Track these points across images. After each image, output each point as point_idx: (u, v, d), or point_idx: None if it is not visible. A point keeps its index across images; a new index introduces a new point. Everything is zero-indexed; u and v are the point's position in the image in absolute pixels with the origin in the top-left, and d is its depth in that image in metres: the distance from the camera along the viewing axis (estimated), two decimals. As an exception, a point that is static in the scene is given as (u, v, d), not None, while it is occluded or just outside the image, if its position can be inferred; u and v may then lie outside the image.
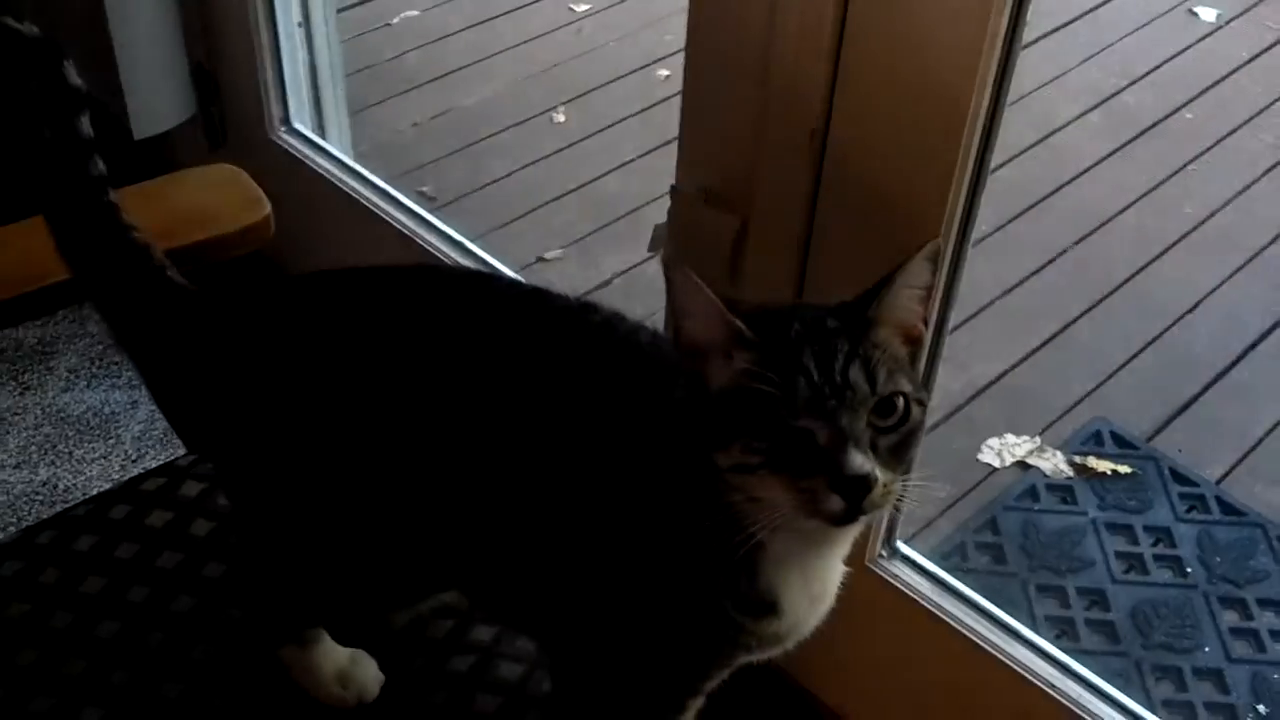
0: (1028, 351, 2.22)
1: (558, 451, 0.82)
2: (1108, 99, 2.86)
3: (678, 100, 1.30)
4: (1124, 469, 2.00)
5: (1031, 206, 2.53)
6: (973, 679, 1.38)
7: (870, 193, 1.17)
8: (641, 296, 2.15)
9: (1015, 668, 1.33)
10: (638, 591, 0.82)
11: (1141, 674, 1.71)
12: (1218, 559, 1.87)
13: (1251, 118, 2.82)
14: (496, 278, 0.93)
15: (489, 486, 0.83)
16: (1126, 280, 2.39)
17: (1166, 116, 2.82)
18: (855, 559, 0.89)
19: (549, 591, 0.87)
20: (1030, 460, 2.01)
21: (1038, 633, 1.37)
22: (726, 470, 0.74)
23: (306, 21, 1.93)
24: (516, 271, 1.81)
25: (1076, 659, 1.34)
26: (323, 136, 2.00)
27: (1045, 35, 2.97)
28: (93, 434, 1.94)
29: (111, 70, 1.93)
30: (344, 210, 1.91)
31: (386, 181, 1.93)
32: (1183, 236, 2.50)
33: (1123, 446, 2.04)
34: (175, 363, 0.95)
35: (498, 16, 3.00)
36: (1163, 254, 2.45)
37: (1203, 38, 3.08)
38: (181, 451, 1.22)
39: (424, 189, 2.46)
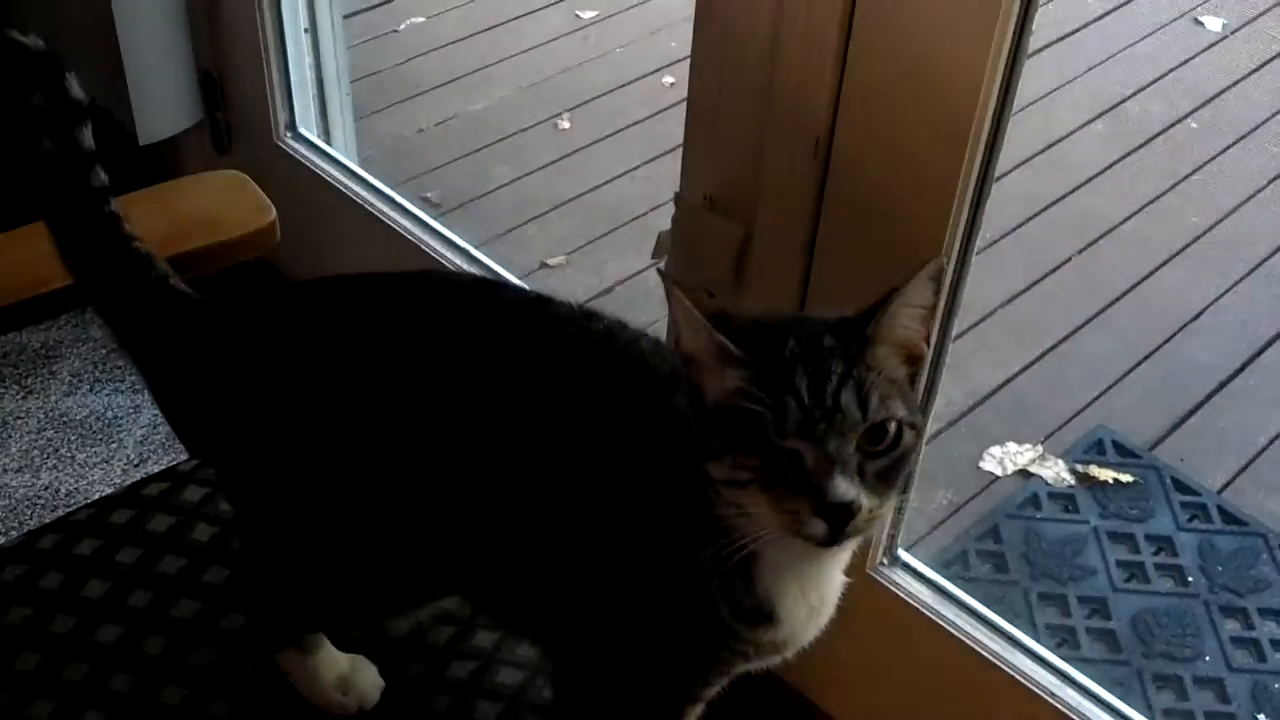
0: (1030, 360, 2.22)
1: (557, 459, 0.82)
2: (1112, 108, 2.86)
3: (682, 108, 1.30)
4: (1126, 478, 2.00)
5: (1035, 215, 2.53)
6: (973, 687, 1.38)
7: (874, 201, 1.17)
8: (644, 304, 2.15)
9: (1016, 676, 1.33)
10: (636, 596, 0.82)
11: (1142, 682, 1.71)
12: (1219, 568, 1.87)
13: (1256, 128, 2.82)
14: (499, 284, 0.93)
15: (489, 492, 0.83)
16: (1129, 289, 2.39)
17: (1171, 126, 2.82)
18: (856, 567, 0.89)
19: (549, 597, 0.87)
20: (1032, 468, 2.01)
21: (1039, 641, 1.37)
22: (719, 482, 0.74)
23: (313, 27, 1.93)
24: (520, 278, 1.81)
25: (1077, 667, 1.34)
26: (328, 142, 2.00)
27: (1050, 44, 2.97)
28: (95, 438, 1.94)
29: (118, 75, 1.94)
30: (349, 216, 1.92)
31: (391, 187, 1.93)
32: (1186, 246, 2.50)
33: (1125, 455, 2.04)
34: (178, 370, 0.95)
35: (503, 24, 3.01)
36: (1166, 263, 2.45)
37: (1208, 47, 3.08)
38: (183, 456, 1.22)
39: (428, 195, 2.47)
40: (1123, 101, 2.88)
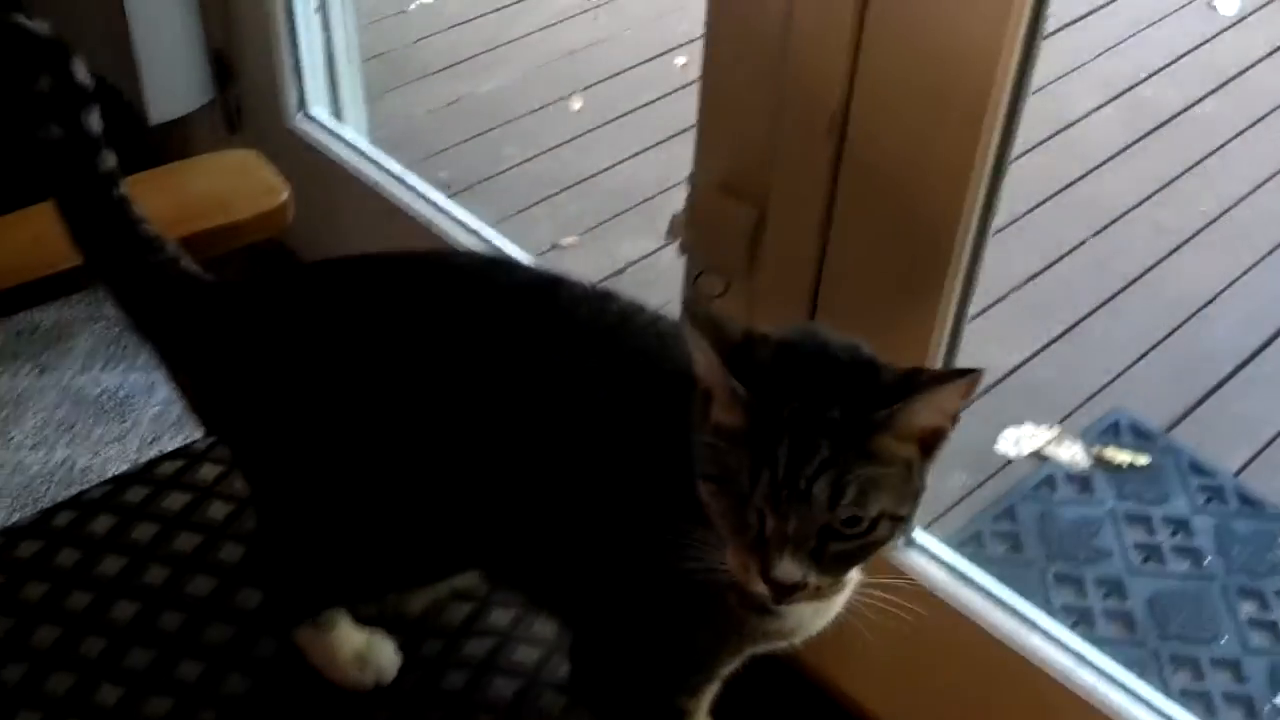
0: (1046, 342, 2.21)
1: (572, 439, 0.81)
2: (1126, 91, 2.85)
3: (695, 88, 1.29)
4: (1142, 460, 1.99)
5: (1049, 198, 2.52)
6: (988, 667, 1.37)
7: (890, 182, 1.17)
8: (657, 285, 2.14)
9: (1031, 657, 1.33)
10: (646, 578, 0.82)
11: (1159, 664, 1.71)
12: (1236, 550, 1.86)
13: (1270, 112, 2.80)
14: (513, 263, 0.92)
15: (504, 470, 0.83)
16: (1144, 273, 2.38)
17: (1185, 109, 2.81)
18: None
19: (565, 574, 0.87)
20: (1048, 451, 2.00)
21: (1055, 622, 1.36)
22: (703, 500, 0.74)
23: (323, 7, 1.92)
24: (531, 259, 1.81)
25: (1093, 648, 1.34)
26: (339, 122, 2.00)
27: (1064, 27, 2.95)
28: (109, 415, 1.94)
29: (128, 55, 1.94)
30: (359, 196, 1.91)
31: (403, 167, 1.93)
32: (1200, 230, 2.48)
33: (1141, 437, 2.03)
34: (192, 351, 0.95)
35: (514, 3, 3.00)
36: (1180, 247, 2.44)
37: (1222, 31, 3.06)
38: (198, 434, 1.22)
39: (441, 175, 2.46)
40: (1137, 85, 2.87)
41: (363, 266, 0.91)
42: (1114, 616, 1.77)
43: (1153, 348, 2.21)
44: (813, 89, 1.16)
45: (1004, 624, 1.36)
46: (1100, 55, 2.94)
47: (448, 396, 0.83)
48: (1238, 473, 1.99)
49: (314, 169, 1.93)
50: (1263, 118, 2.78)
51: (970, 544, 1.83)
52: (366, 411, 0.85)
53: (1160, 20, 3.08)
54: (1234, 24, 3.09)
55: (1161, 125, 2.76)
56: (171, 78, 2.00)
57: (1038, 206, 2.50)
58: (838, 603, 0.82)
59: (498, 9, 2.98)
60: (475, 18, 2.96)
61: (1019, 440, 2.01)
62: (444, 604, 1.03)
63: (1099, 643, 1.37)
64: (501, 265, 0.91)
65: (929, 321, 1.22)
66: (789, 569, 0.71)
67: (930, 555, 1.39)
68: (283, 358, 0.88)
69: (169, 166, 1.19)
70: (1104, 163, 2.64)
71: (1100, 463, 1.99)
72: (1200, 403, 2.11)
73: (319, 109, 1.98)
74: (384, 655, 0.99)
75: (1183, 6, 3.13)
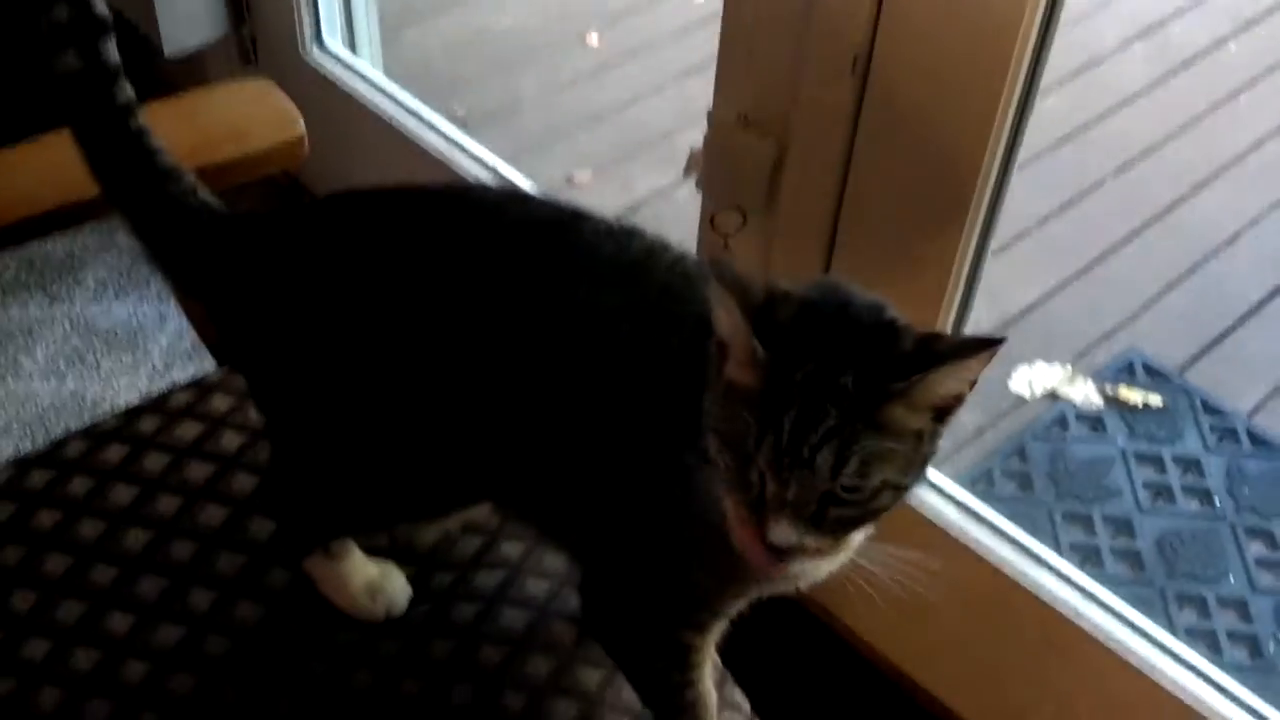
0: (1062, 280, 2.20)
1: (590, 372, 0.81)
2: (1152, 28, 2.80)
3: (715, 23, 1.28)
4: (1155, 400, 1.98)
5: (1071, 135, 2.50)
6: (997, 605, 1.38)
7: (914, 118, 1.16)
8: (673, 222, 2.12)
9: (1040, 594, 1.34)
10: (654, 512, 0.82)
11: (1165, 602, 1.72)
12: (1246, 490, 1.86)
13: (1296, 50, 2.76)
14: (533, 197, 0.91)
15: (518, 400, 0.83)
16: (1165, 211, 2.35)
17: (1211, 48, 2.76)
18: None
19: (574, 506, 0.87)
20: (1061, 389, 2.00)
21: (1063, 560, 1.37)
22: (710, 449, 0.73)
23: (339, -63, 1.91)
24: (544, 194, 1.80)
25: (1103, 586, 1.34)
26: (355, 55, 1.98)
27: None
28: (120, 346, 1.95)
29: (142, -15, 1.92)
30: (374, 129, 1.90)
31: (418, 101, 1.91)
32: (1223, 168, 2.46)
33: (1155, 377, 2.03)
34: (208, 281, 0.95)
35: (530, -64, 2.96)
36: (1202, 185, 2.42)
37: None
38: (209, 365, 1.22)
39: (456, 110, 2.44)
40: (1163, 22, 2.82)
41: (382, 198, 0.90)
42: (1122, 555, 1.77)
43: (1169, 287, 2.20)
44: (837, 23, 1.14)
45: (1014, 560, 1.36)
46: (1129, -8, 2.89)
47: (464, 328, 0.83)
48: (1251, 413, 1.99)
49: (329, 102, 1.92)
50: (1289, 57, 2.74)
51: (981, 482, 1.84)
52: (382, 343, 0.85)
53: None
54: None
55: (1187, 63, 2.72)
56: (186, 11, 1.98)
57: (1060, 144, 2.47)
58: (842, 557, 0.80)
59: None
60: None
61: (1032, 379, 2.01)
62: (455, 536, 1.04)
63: (1107, 581, 1.37)
64: (521, 198, 0.91)
65: (949, 259, 1.21)
66: (784, 533, 0.70)
67: (941, 493, 1.39)
68: (299, 288, 0.88)
69: (186, 95, 1.18)
70: (1128, 100, 2.60)
71: (1113, 402, 1.98)
72: (1216, 343, 2.10)
73: (334, 42, 1.96)
74: (395, 586, 1.00)
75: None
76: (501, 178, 1.82)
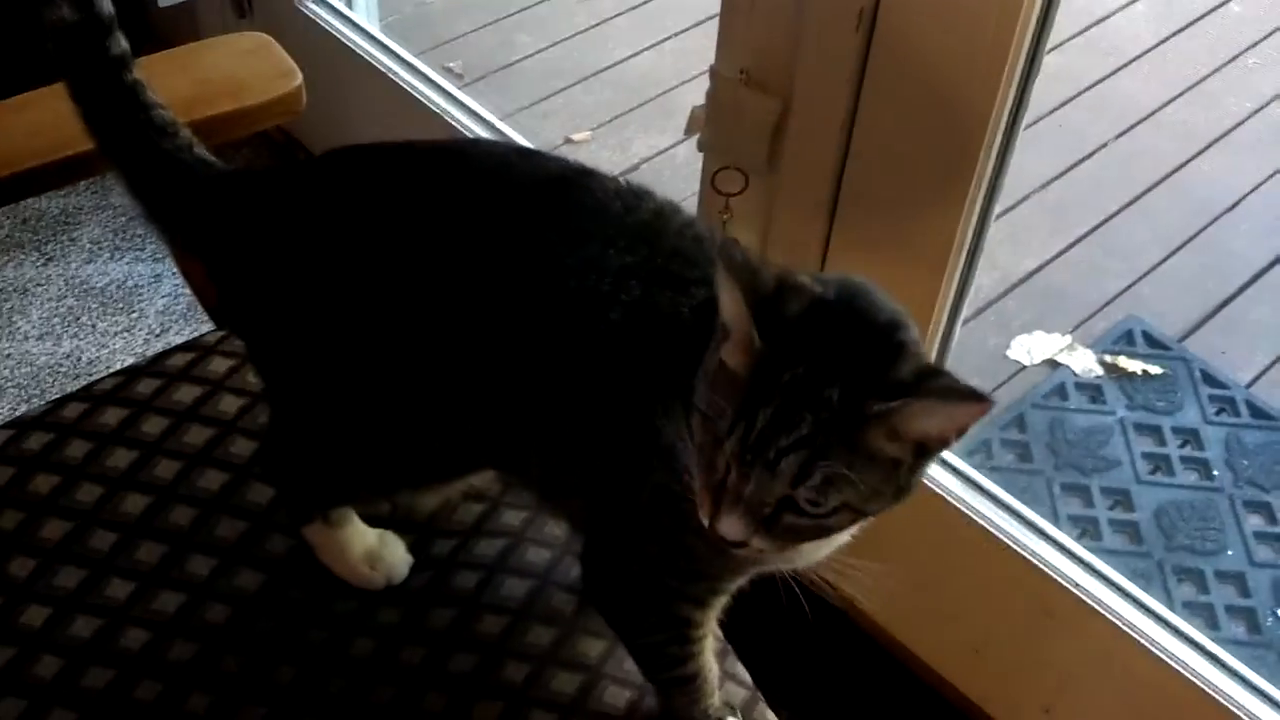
0: (1063, 247, 2.19)
1: (594, 336, 0.80)
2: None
3: (714, -22, 1.26)
4: (1155, 369, 1.98)
5: (1074, 97, 2.48)
6: (995, 574, 1.38)
7: (920, 76, 1.14)
8: (671, 181, 2.11)
9: (1038, 564, 1.34)
10: (650, 484, 0.81)
11: (1163, 575, 1.72)
12: (1245, 462, 1.86)
13: (1303, 11, 2.74)
14: (541, 154, 0.90)
15: (520, 364, 0.82)
16: (1167, 176, 2.34)
17: (1215, 8, 2.74)
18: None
19: (573, 473, 0.86)
20: (1060, 358, 1.99)
21: (1061, 531, 1.37)
22: (692, 422, 0.72)
23: (334, -113, 1.87)
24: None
25: (1099, 558, 1.34)
26: (349, 6, 1.95)
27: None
28: (116, 307, 1.93)
29: (134, -67, 1.89)
30: (370, 84, 1.88)
31: (414, 55, 1.89)
32: (1227, 132, 2.44)
33: (1154, 346, 2.02)
34: (205, 239, 0.93)
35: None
36: (1205, 149, 2.40)
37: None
38: (205, 327, 1.21)
39: (451, 65, 2.41)
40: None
41: (384, 153, 0.88)
42: (1120, 527, 1.77)
43: (1171, 254, 2.19)
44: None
45: (1012, 529, 1.36)
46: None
47: (467, 286, 0.81)
48: (1250, 384, 1.98)
49: (323, 57, 1.90)
50: (1293, 18, 2.72)
51: (979, 452, 1.83)
52: (383, 302, 0.84)
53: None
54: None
55: (1190, 24, 2.70)
56: (180, -42, 1.96)
57: (1061, 106, 2.45)
58: (841, 538, 0.79)
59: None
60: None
61: (1031, 348, 2.00)
62: (455, 504, 1.03)
63: (1105, 553, 1.37)
64: (526, 154, 0.89)
65: (952, 221, 1.20)
66: (733, 526, 0.70)
67: (941, 462, 1.38)
68: (300, 246, 0.87)
69: (182, 48, 1.17)
70: (1130, 61, 2.58)
71: (1112, 371, 1.98)
72: (1216, 311, 2.09)
73: (329, -7, 1.93)
74: (395, 554, 0.99)
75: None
76: (498, 135, 1.80)
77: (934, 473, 1.38)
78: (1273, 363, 2.01)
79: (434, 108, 1.82)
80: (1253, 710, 1.24)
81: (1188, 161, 2.37)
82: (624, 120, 2.38)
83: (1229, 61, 2.60)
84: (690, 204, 1.40)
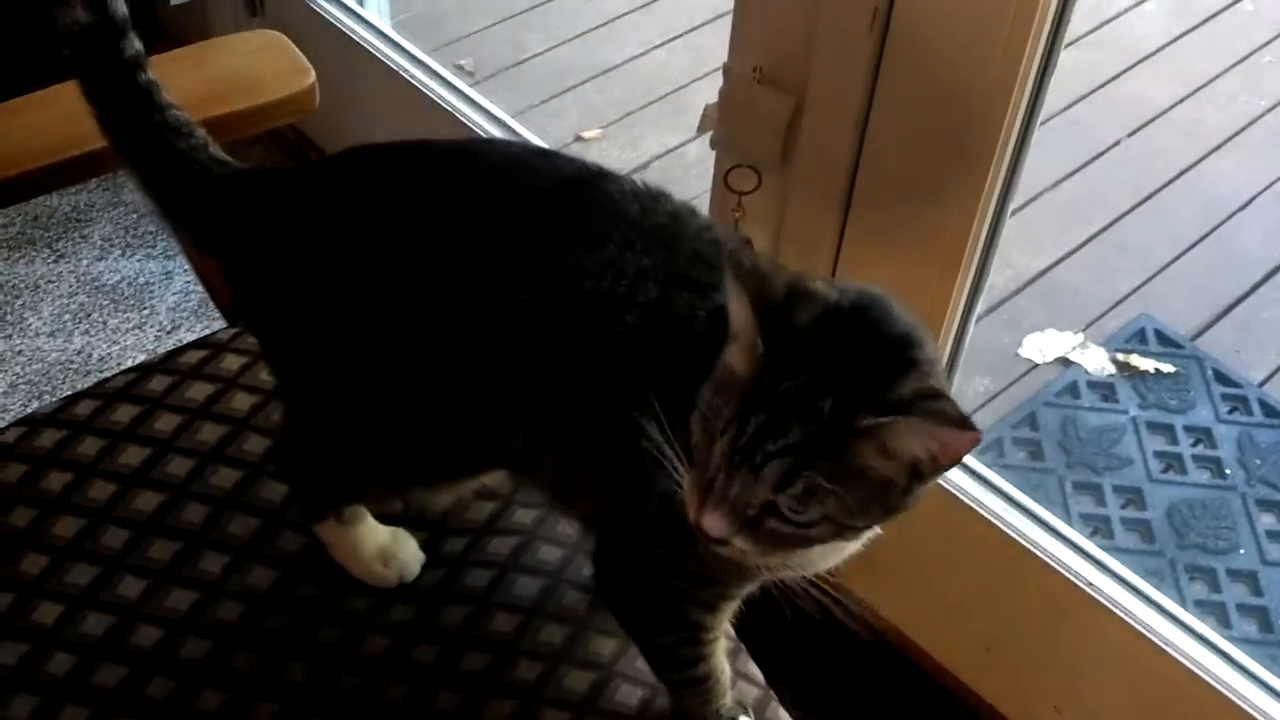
0: (1075, 245, 2.18)
1: (609, 335, 0.80)
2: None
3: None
4: (1167, 368, 1.97)
5: (1086, 95, 2.47)
6: (1006, 572, 1.38)
7: (935, 74, 1.14)
8: (682, 180, 2.11)
9: (1050, 562, 1.33)
10: (658, 487, 0.80)
11: (1175, 573, 1.71)
12: (1257, 461, 1.85)
13: (1317, 10, 2.73)
14: (557, 154, 0.89)
15: (534, 361, 0.82)
16: (1180, 174, 2.33)
17: (1227, 6, 2.73)
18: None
19: (584, 469, 0.86)
20: (1072, 356, 1.98)
21: (1073, 529, 1.36)
22: (692, 420, 0.72)
23: (346, -115, 1.87)
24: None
25: (1111, 556, 1.34)
26: (361, 4, 1.96)
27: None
28: (127, 304, 1.93)
29: (146, -70, 1.89)
30: (381, 82, 1.88)
31: (425, 53, 1.89)
32: (1239, 131, 2.43)
33: (1167, 345, 2.01)
34: (220, 238, 0.93)
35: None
36: (1219, 148, 2.39)
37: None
38: (216, 324, 1.21)
39: (462, 63, 2.41)
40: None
41: (400, 153, 0.88)
42: (1132, 525, 1.77)
43: (1183, 253, 2.18)
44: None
45: (1025, 528, 1.36)
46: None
47: (482, 285, 0.81)
48: (1263, 383, 1.97)
49: (334, 53, 1.90)
50: (1308, 17, 2.71)
51: (991, 450, 1.83)
52: (398, 301, 0.84)
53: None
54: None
55: (1202, 22, 2.69)
56: (190, -45, 1.96)
57: (1074, 104, 2.44)
58: (851, 546, 0.79)
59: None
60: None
61: (1043, 346, 1.99)
62: (468, 503, 1.03)
63: (1117, 551, 1.37)
64: (542, 154, 0.89)
65: (967, 220, 1.20)
66: (716, 524, 0.70)
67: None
68: (314, 246, 0.87)
69: (194, 46, 1.17)
70: (1142, 60, 2.58)
71: (1124, 370, 1.97)
72: (1229, 310, 2.09)
73: (340, -9, 1.94)
74: (408, 552, 0.99)
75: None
76: (509, 133, 1.80)
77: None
78: (1286, 362, 2.01)
79: (445, 105, 1.82)
80: (1265, 708, 1.23)
81: (1200, 160, 2.36)
82: (635, 118, 2.37)
83: (1242, 60, 2.59)
84: (701, 202, 1.39)
